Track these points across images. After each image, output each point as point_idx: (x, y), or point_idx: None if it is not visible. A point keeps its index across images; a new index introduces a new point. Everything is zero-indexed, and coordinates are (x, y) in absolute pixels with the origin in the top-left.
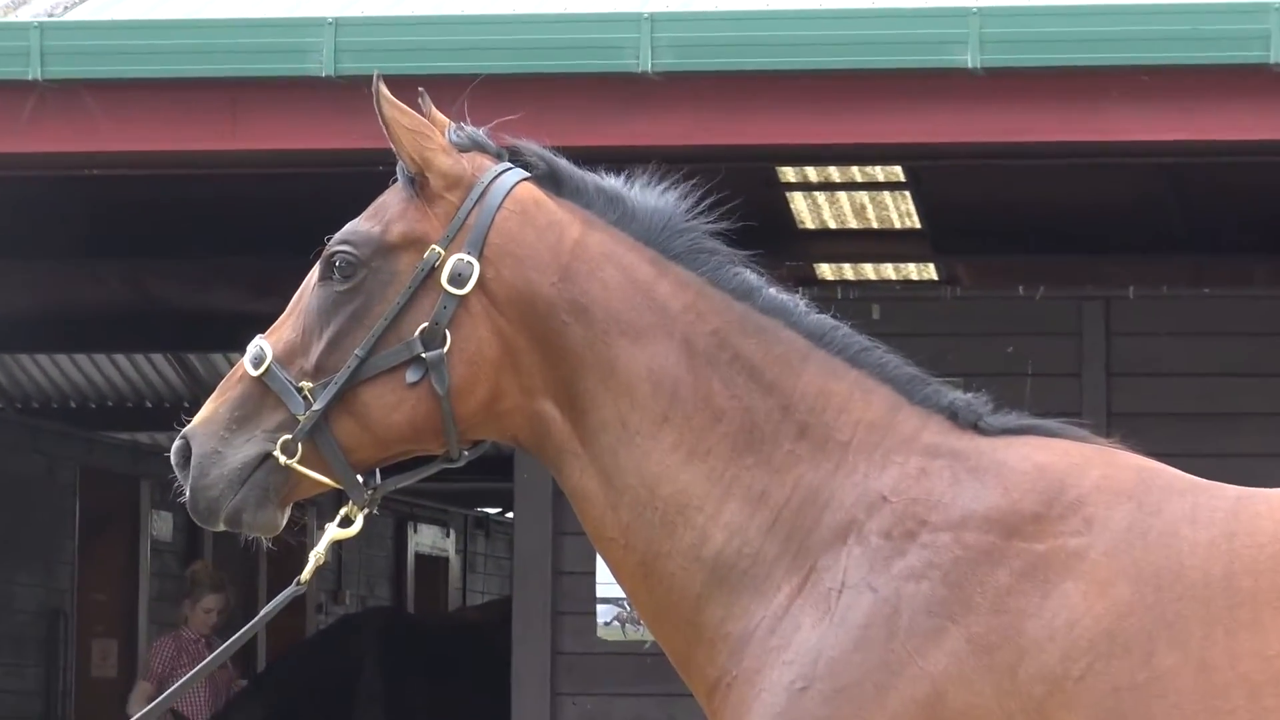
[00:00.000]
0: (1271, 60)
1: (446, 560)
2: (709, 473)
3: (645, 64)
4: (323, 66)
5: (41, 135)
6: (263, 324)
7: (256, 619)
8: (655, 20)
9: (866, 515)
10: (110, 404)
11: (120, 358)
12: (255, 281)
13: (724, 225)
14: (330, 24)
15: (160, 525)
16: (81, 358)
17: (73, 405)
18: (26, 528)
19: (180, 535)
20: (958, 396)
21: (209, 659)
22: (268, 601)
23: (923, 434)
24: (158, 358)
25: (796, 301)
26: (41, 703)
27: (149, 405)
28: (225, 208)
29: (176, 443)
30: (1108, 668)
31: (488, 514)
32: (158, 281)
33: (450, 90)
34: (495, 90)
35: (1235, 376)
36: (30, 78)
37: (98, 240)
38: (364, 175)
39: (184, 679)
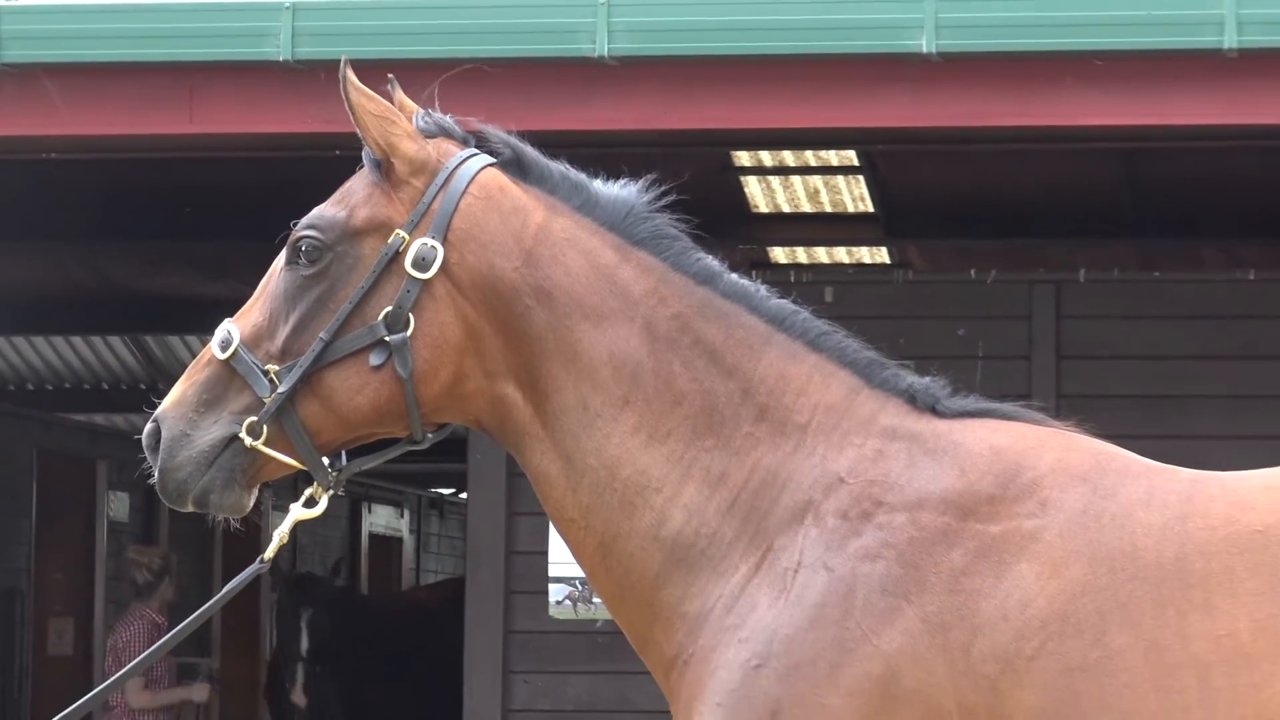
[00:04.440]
0: (1225, 46)
1: (401, 540)
2: (669, 455)
3: (602, 49)
4: (280, 51)
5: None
6: (219, 307)
7: (219, 595)
8: (612, 5)
9: (823, 496)
10: (67, 386)
11: (77, 340)
12: (211, 265)
13: (680, 209)
14: (288, 8)
15: (117, 506)
16: (39, 340)
17: (30, 387)
18: None
19: (137, 515)
20: (916, 380)
21: (171, 634)
22: (224, 582)
23: (880, 417)
24: (114, 340)
25: (757, 287)
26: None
27: (106, 387)
28: (182, 192)
29: (148, 425)
30: (1060, 647)
31: (441, 495)
32: (114, 265)
33: (407, 75)
34: (455, 75)
35: (1185, 359)
36: None
37: (55, 223)
38: (321, 159)
39: (146, 653)
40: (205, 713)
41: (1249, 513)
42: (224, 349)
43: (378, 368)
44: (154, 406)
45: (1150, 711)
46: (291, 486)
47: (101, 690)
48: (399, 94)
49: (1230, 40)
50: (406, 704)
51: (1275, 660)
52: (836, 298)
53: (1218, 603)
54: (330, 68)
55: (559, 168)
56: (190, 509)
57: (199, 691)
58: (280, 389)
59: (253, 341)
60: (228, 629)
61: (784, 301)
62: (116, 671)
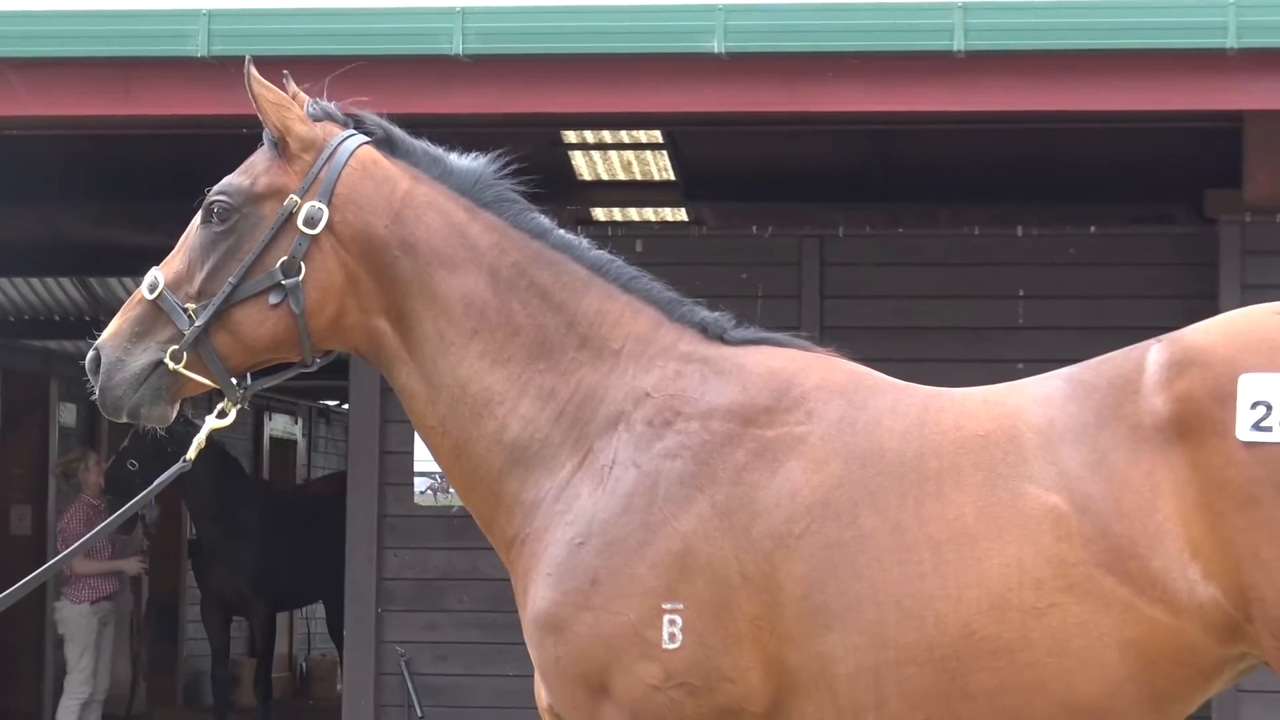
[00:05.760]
0: (954, 49)
1: (295, 443)
2: (509, 375)
3: (458, 49)
4: (199, 49)
5: None
6: (150, 255)
7: (148, 490)
8: (466, 12)
9: (633, 407)
10: (26, 318)
11: (34, 281)
12: (143, 220)
13: (519, 178)
14: (205, 14)
15: (66, 414)
16: (2, 281)
17: None
18: None
19: (82, 422)
20: (707, 314)
21: (106, 522)
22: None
23: (679, 344)
24: (64, 281)
25: (580, 240)
26: None
27: (57, 319)
28: (120, 161)
29: (90, 353)
30: (823, 528)
31: (328, 405)
32: (65, 220)
33: (300, 70)
34: (339, 70)
35: (923, 298)
36: None
37: (15, 188)
38: (231, 137)
39: (83, 540)
40: (137, 582)
41: (972, 421)
42: (151, 291)
43: (276, 306)
44: (95, 337)
45: (893, 579)
46: (207, 401)
47: (49, 566)
48: (292, 86)
49: (959, 44)
50: (306, 573)
51: (992, 538)
52: (645, 249)
53: (948, 493)
54: (239, 63)
55: (421, 145)
56: (124, 420)
57: (130, 565)
58: (197, 323)
59: (175, 285)
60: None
61: (602, 252)
62: (64, 549)
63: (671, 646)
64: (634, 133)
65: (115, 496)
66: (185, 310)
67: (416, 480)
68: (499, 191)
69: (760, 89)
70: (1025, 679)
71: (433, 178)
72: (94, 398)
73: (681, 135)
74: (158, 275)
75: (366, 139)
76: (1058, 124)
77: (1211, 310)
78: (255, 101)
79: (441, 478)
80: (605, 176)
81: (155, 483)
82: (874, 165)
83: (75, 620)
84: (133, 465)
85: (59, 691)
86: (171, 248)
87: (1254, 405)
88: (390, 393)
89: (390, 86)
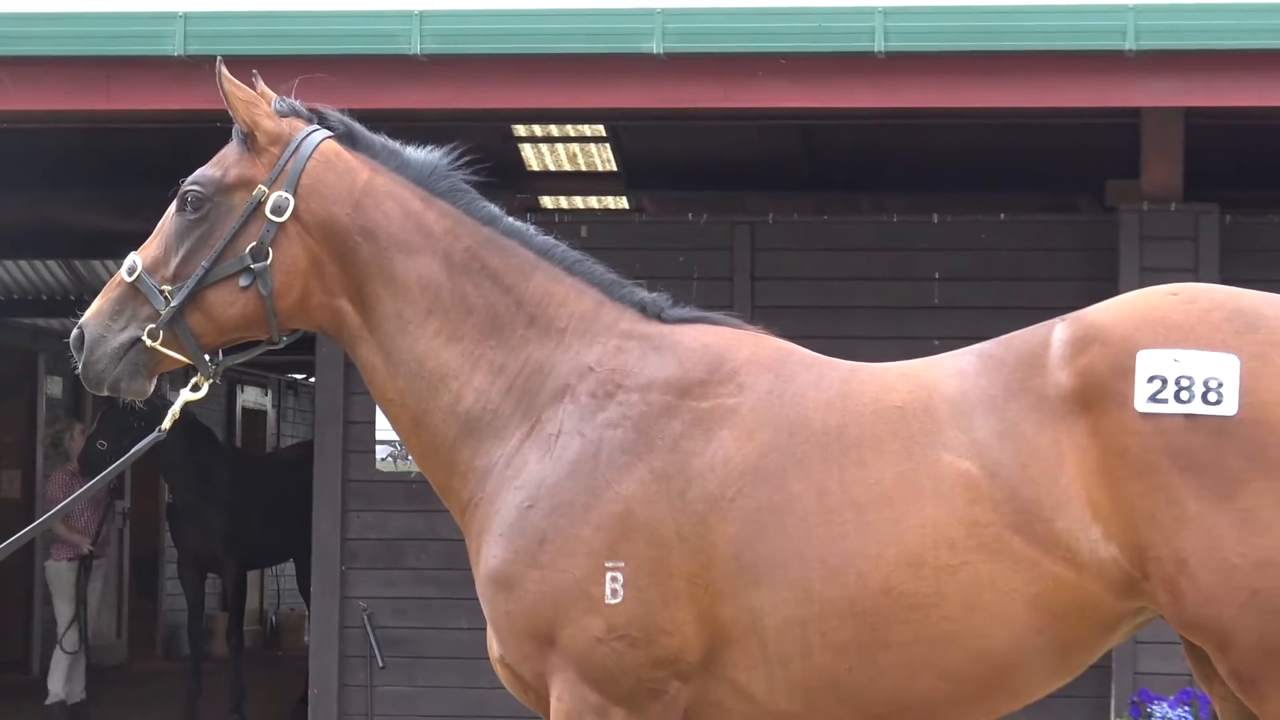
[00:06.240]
0: (875, 50)
1: (266, 413)
2: (463, 351)
3: (416, 49)
4: (175, 49)
5: None
6: (130, 239)
7: (125, 457)
8: (424, 15)
9: (578, 381)
10: (15, 297)
11: (23, 263)
12: (124, 207)
13: (471, 169)
14: (181, 17)
15: (53, 386)
16: None
17: None
18: None
19: (68, 394)
20: (646, 295)
21: (86, 486)
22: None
23: (620, 322)
24: (51, 263)
25: (529, 227)
26: None
27: (45, 298)
28: (102, 152)
29: (74, 331)
30: (753, 492)
31: (296, 378)
32: (52, 207)
33: (268, 69)
34: (307, 68)
35: (846, 280)
36: None
37: (5, 177)
38: (205, 130)
39: (61, 504)
40: (120, 539)
41: (891, 393)
42: (130, 274)
43: (245, 288)
44: (80, 315)
45: (818, 539)
46: (183, 376)
47: (32, 528)
48: (260, 84)
49: (880, 45)
50: (275, 534)
51: (909, 502)
52: (589, 235)
53: (868, 459)
54: (212, 62)
55: (380, 139)
56: (106, 393)
57: (83, 544)
58: (173, 304)
59: (152, 268)
60: (136, 477)
61: (549, 238)
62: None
63: (614, 602)
64: (579, 127)
65: (89, 476)
66: (162, 292)
67: (378, 448)
68: (453, 182)
69: (696, 87)
70: (940, 631)
71: (391, 169)
72: (78, 372)
73: (623, 129)
74: (136, 259)
75: (329, 133)
76: (971, 119)
77: (1112, 291)
78: (226, 99)
79: (401, 446)
80: (552, 167)
81: (132, 450)
82: (801, 157)
83: (58, 577)
84: (101, 445)
85: (47, 642)
86: (149, 232)
87: (1150, 379)
88: (353, 368)
89: (352, 84)
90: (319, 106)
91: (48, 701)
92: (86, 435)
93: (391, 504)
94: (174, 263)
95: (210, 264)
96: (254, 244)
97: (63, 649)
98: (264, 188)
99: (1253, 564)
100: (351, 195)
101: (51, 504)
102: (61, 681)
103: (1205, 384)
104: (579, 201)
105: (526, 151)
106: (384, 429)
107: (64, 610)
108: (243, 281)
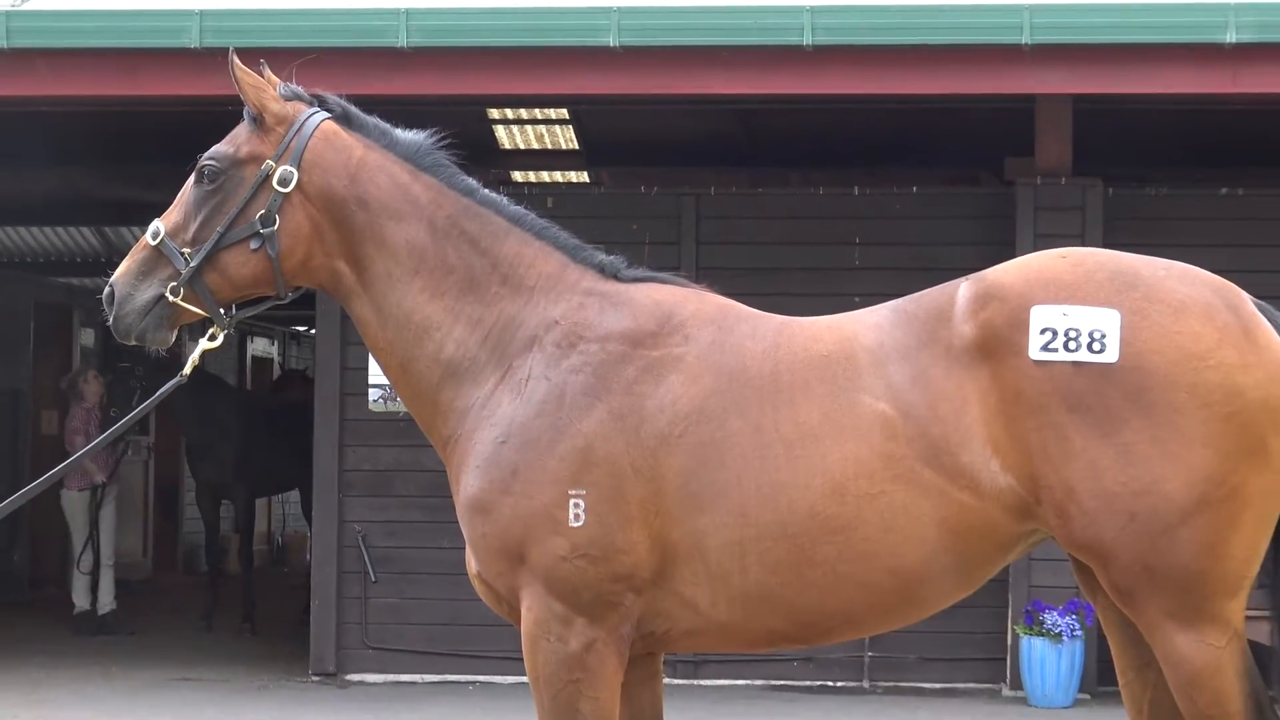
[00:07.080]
0: (805, 44)
1: (272, 360)
2: (444, 307)
3: (403, 42)
4: (193, 41)
5: (8, 85)
6: (153, 208)
7: (149, 401)
8: (410, 12)
9: (545, 332)
10: (52, 259)
11: (59, 229)
12: (147, 180)
13: (452, 148)
14: (197, 14)
15: (86, 337)
16: (34, 229)
17: (28, 260)
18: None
19: (99, 344)
20: (604, 258)
21: (113, 429)
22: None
23: (582, 281)
24: (84, 229)
25: (502, 198)
26: (9, 455)
27: (78, 260)
28: (128, 133)
29: (105, 289)
30: (698, 430)
31: (299, 330)
32: (84, 180)
33: (274, 58)
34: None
35: (778, 245)
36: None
37: (44, 155)
38: (219, 113)
39: (91, 444)
40: (144, 471)
41: (817, 344)
42: (154, 238)
43: (255, 250)
44: (109, 275)
45: (754, 470)
46: (200, 327)
47: (62, 468)
48: (268, 72)
49: (808, 40)
50: (280, 464)
51: (833, 439)
52: (554, 205)
53: (798, 401)
54: (225, 53)
55: (373, 120)
56: (133, 343)
57: (98, 474)
58: (192, 264)
59: (173, 233)
60: (160, 417)
61: (520, 207)
62: (71, 444)
63: (576, 525)
64: (545, 110)
65: (118, 409)
66: (182, 254)
67: (370, 391)
68: (436, 158)
69: (648, 76)
70: (860, 550)
71: (382, 146)
72: (109, 324)
73: (584, 113)
74: (159, 225)
75: (328, 115)
76: (888, 104)
77: (1009, 255)
78: (238, 84)
79: (390, 389)
80: (522, 146)
81: (155, 395)
82: (739, 138)
83: (72, 505)
84: (114, 414)
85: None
86: (170, 203)
87: (1043, 331)
88: (349, 321)
89: (347, 72)
90: (319, 92)
91: (75, 613)
92: (118, 369)
93: (383, 440)
94: (193, 228)
95: (225, 229)
96: (263, 212)
97: (79, 570)
98: (271, 162)
99: (1131, 492)
100: (348, 169)
101: (71, 436)
102: (84, 595)
103: (1090, 335)
104: (545, 176)
105: (499, 132)
106: (376, 374)
107: (79, 535)
108: (253, 245)
